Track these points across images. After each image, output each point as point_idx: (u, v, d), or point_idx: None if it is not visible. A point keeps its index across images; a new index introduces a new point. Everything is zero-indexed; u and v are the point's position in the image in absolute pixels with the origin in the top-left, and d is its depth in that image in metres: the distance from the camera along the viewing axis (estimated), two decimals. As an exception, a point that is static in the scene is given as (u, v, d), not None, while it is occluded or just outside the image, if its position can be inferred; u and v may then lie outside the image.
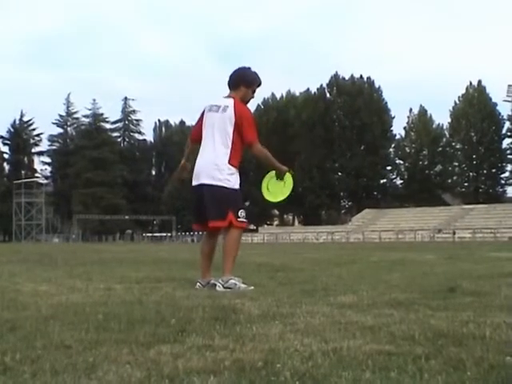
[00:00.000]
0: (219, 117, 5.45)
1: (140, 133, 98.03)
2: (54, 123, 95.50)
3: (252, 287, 5.19)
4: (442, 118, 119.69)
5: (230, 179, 5.39)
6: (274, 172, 5.78)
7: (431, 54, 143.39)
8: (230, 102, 5.45)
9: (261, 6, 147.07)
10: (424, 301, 4.07)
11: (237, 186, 5.45)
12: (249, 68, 5.74)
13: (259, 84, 5.70)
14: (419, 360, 2.27)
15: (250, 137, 5.44)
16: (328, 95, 79.56)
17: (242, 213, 5.41)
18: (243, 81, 5.59)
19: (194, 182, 5.59)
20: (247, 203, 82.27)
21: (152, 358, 2.40)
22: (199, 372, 2.15)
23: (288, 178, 5.76)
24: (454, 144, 75.94)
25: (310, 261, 11.09)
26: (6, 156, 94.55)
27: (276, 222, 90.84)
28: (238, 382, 2.01)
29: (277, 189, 5.79)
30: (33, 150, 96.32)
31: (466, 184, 75.85)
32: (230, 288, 5.14)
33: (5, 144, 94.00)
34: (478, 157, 72.91)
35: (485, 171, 74.04)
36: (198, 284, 5.42)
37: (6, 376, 2.14)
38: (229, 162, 5.40)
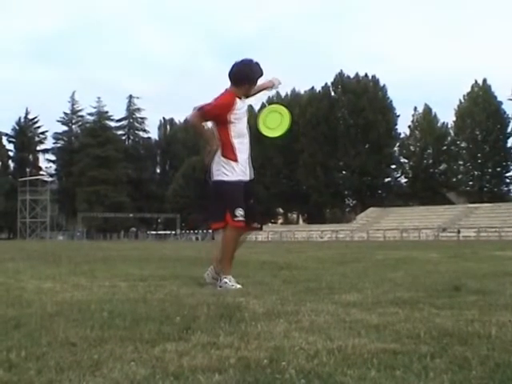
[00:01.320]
0: None
1: (145, 131, 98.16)
2: (58, 121, 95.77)
3: (239, 286, 5.19)
4: (446, 116, 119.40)
5: (226, 172, 5.38)
6: (271, 107, 5.80)
7: (436, 52, 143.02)
8: None
9: (264, 3, 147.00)
10: (429, 299, 4.06)
11: (234, 178, 5.39)
12: (251, 61, 5.61)
13: (261, 75, 5.65)
14: (424, 359, 2.26)
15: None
16: (333, 93, 79.40)
17: (238, 211, 5.35)
18: (248, 79, 5.55)
19: None
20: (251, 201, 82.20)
21: (157, 355, 2.40)
22: (204, 370, 2.15)
23: (285, 111, 5.74)
24: (458, 143, 75.68)
25: (314, 259, 11.08)
26: (10, 154, 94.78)
27: (280, 221, 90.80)
28: (243, 379, 2.01)
29: (275, 124, 5.73)
30: (38, 148, 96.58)
31: (470, 183, 75.58)
32: (221, 287, 5.18)
33: (10, 142, 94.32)
34: (483, 155, 72.64)
35: (490, 170, 73.77)
36: (207, 273, 5.45)
37: (11, 373, 2.15)
38: (222, 155, 5.40)
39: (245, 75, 5.52)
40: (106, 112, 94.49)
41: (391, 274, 6.56)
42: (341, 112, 78.08)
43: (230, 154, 5.40)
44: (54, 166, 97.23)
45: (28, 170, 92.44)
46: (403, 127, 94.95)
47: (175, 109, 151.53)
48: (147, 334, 2.83)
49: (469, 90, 74.83)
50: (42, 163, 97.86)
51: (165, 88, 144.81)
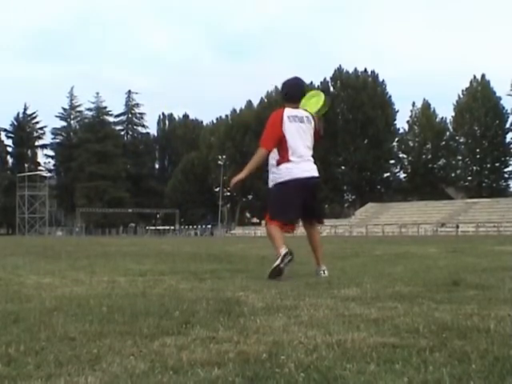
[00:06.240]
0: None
1: (143, 126, 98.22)
2: (57, 116, 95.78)
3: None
4: (445, 111, 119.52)
5: None
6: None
7: (435, 47, 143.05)
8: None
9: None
10: (428, 294, 4.07)
11: None
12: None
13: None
14: (424, 352, 2.26)
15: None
16: (332, 89, 79.30)
17: None
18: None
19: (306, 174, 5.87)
20: (250, 196, 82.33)
21: (156, 349, 2.40)
22: (203, 364, 2.15)
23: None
24: (457, 138, 75.64)
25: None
26: (9, 149, 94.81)
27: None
28: (242, 373, 2.00)
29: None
30: (36, 143, 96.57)
31: (469, 178, 75.57)
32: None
33: (8, 137, 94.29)
34: (482, 151, 72.62)
35: (488, 165, 73.76)
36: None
37: (10, 367, 2.15)
38: None
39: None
40: (105, 107, 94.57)
41: (390, 269, 6.56)
42: (340, 107, 77.97)
43: None
44: (52, 162, 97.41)
45: (26, 165, 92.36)
46: (402, 122, 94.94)
47: (174, 104, 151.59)
48: (146, 328, 2.83)
49: (467, 85, 74.81)
50: (41, 159, 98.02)
51: (164, 83, 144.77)
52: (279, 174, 5.87)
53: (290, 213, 5.91)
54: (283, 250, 5.53)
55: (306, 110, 6.03)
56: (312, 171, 5.94)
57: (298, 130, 5.84)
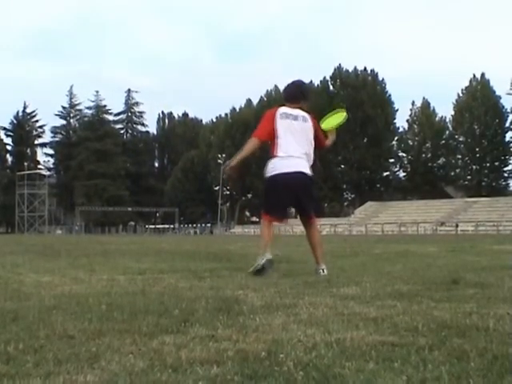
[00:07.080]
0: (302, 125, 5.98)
1: (143, 125, 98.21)
2: (56, 115, 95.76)
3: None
4: (445, 110, 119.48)
5: None
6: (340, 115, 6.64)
7: (435, 46, 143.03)
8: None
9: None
10: (427, 292, 4.07)
11: None
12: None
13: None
14: (423, 351, 2.26)
15: None
16: (331, 88, 79.29)
17: None
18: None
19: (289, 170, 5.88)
20: (249, 195, 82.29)
21: (155, 348, 2.39)
22: (202, 362, 2.15)
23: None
24: (457, 137, 75.61)
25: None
26: (8, 148, 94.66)
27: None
28: (241, 372, 2.00)
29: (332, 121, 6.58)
30: (36, 142, 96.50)
31: (469, 177, 75.55)
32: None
33: (8, 135, 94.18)
34: (481, 150, 72.58)
35: (488, 164, 73.73)
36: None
37: (9, 365, 2.14)
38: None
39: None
40: (105, 106, 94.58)
41: (389, 268, 6.56)
42: (339, 106, 77.91)
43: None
44: (52, 160, 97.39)
45: (26, 164, 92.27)
46: (402, 121, 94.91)
47: (174, 103, 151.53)
48: (145, 326, 2.83)
49: (467, 84, 74.77)
50: (40, 157, 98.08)
51: (164, 82, 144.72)
52: (266, 169, 5.96)
53: (279, 209, 5.99)
54: (266, 256, 5.70)
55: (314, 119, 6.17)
56: (297, 166, 5.90)
57: (290, 127, 5.88)
